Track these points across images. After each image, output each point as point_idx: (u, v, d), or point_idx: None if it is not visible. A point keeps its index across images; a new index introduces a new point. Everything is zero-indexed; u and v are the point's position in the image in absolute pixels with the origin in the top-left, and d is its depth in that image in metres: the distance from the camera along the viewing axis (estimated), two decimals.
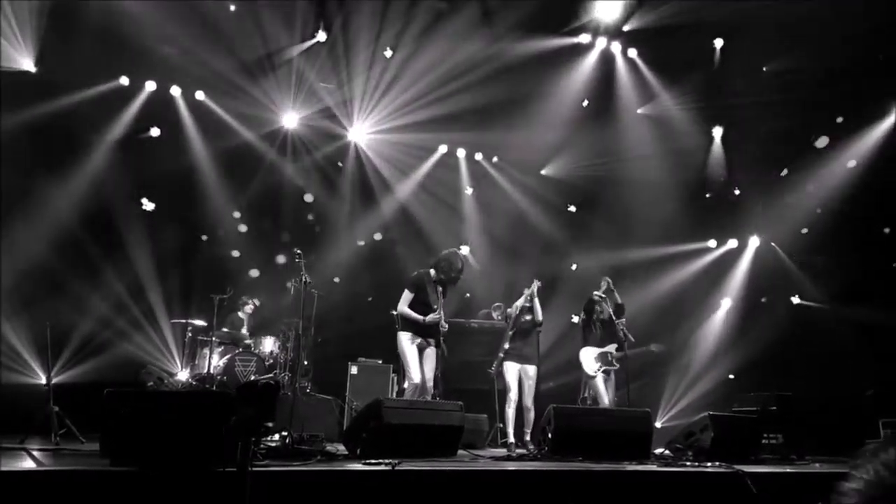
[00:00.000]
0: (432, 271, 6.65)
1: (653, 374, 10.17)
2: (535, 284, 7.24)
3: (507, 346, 7.16)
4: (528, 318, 7.21)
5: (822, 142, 10.10)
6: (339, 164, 10.60)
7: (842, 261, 9.98)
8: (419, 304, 6.51)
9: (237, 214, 10.11)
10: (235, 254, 10.06)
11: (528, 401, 7.03)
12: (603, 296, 7.68)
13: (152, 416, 4.22)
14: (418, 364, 6.43)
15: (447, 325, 6.61)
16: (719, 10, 8.78)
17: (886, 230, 9.95)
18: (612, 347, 7.52)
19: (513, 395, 7.02)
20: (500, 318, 9.54)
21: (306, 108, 10.02)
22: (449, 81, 9.50)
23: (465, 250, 11.03)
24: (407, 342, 6.47)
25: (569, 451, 5.62)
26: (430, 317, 6.41)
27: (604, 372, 7.45)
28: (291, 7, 8.78)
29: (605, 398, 7.35)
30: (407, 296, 6.55)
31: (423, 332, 6.50)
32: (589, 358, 7.56)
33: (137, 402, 4.38)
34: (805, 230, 10.54)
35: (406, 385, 6.58)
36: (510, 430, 7.02)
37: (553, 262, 11.21)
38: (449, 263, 6.61)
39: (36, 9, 8.00)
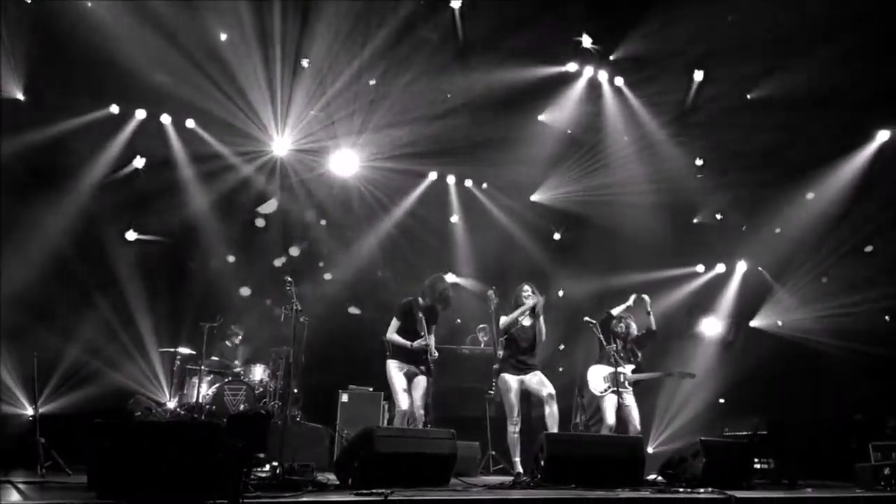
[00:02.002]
0: (420, 299, 6.64)
1: (642, 398, 10.15)
2: (539, 300, 6.72)
3: (500, 353, 6.56)
4: (527, 324, 6.66)
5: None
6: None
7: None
8: (407, 332, 6.49)
9: (230, 256, 10.12)
10: (245, 291, 10.03)
11: (554, 407, 6.35)
12: (625, 314, 7.45)
13: (140, 448, 4.17)
14: (407, 391, 6.40)
15: (437, 353, 6.57)
16: (702, 40, 8.94)
17: (868, 248, 10.09)
18: (627, 368, 7.19)
19: (516, 417, 6.37)
20: (486, 338, 9.52)
21: (296, 135, 10.06)
22: (438, 109, 9.60)
23: (450, 277, 11.08)
24: (395, 369, 6.45)
25: (562, 479, 5.60)
26: (417, 342, 6.40)
27: (614, 393, 7.06)
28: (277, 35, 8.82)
29: (611, 420, 7.00)
30: (395, 323, 6.55)
31: (412, 359, 6.48)
32: (597, 376, 7.26)
33: (125, 433, 4.33)
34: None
35: (395, 412, 6.54)
36: (517, 459, 6.27)
37: (541, 288, 11.21)
38: (433, 288, 6.60)
39: (25, 36, 8.01)
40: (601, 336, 7.27)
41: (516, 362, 6.56)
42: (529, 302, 6.69)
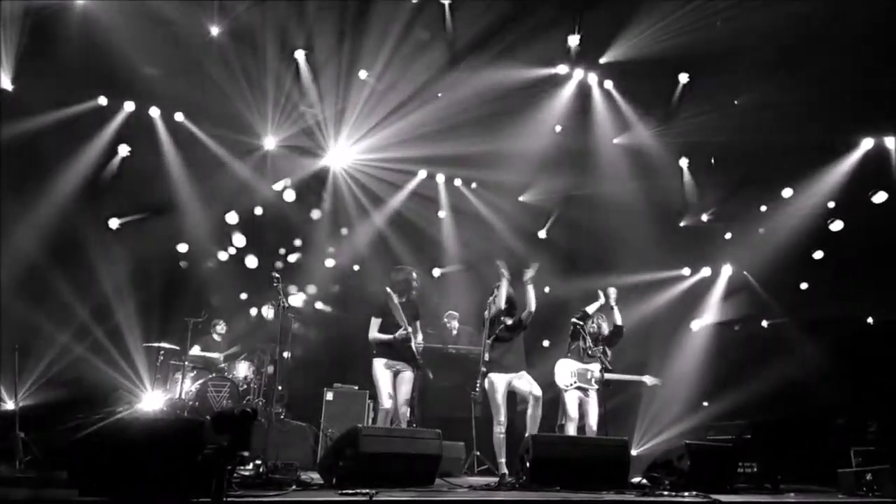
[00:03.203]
0: (396, 294, 6.59)
1: (626, 400, 10.18)
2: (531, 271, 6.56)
3: (487, 356, 6.39)
4: (508, 322, 6.55)
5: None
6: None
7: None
8: (388, 328, 6.47)
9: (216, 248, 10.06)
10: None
11: (538, 410, 6.34)
12: (598, 314, 7.42)
13: (123, 444, 4.11)
14: (390, 389, 6.38)
15: (422, 344, 6.56)
16: (691, 45, 8.98)
17: (818, 255, 10.18)
18: (594, 367, 7.19)
19: (502, 418, 6.37)
20: (449, 324, 9.44)
21: (286, 130, 10.01)
22: (429, 108, 9.60)
23: (436, 271, 11.13)
24: (380, 367, 6.43)
25: (547, 481, 5.59)
26: (399, 333, 6.38)
27: (578, 389, 7.13)
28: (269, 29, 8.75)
29: (575, 416, 7.04)
30: (375, 321, 6.52)
31: (397, 355, 6.47)
32: (565, 370, 7.22)
33: (108, 429, 4.27)
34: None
35: (378, 410, 6.50)
36: (502, 460, 6.29)
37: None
38: (400, 281, 6.61)
39: (14, 25, 7.90)
40: (588, 335, 7.29)
41: (504, 363, 6.50)
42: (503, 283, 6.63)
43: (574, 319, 7.41)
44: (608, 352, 7.38)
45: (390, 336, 6.40)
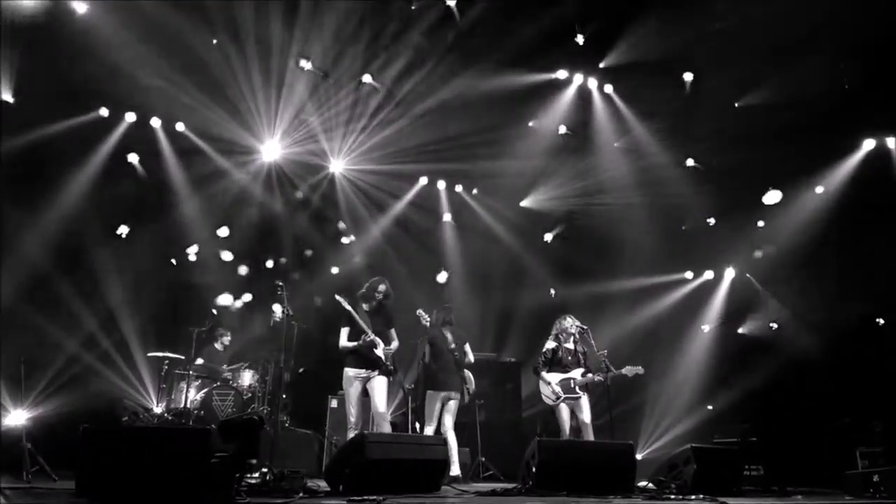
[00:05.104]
0: (364, 303, 6.71)
1: (631, 404, 10.18)
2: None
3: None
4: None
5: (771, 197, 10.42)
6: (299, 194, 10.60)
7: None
8: (356, 336, 6.53)
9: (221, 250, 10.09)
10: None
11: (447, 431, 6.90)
12: (563, 336, 7.49)
13: (131, 454, 4.12)
14: (357, 404, 6.47)
15: (391, 350, 6.62)
16: (690, 49, 9.02)
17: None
18: (576, 373, 7.29)
19: (429, 429, 6.91)
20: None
21: (288, 139, 10.03)
22: (430, 114, 9.62)
23: (442, 277, 11.14)
24: (349, 378, 6.52)
25: (553, 486, 5.58)
26: (362, 338, 6.44)
27: (566, 401, 7.21)
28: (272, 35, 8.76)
29: (567, 428, 7.18)
30: (344, 331, 6.61)
31: (365, 362, 6.52)
32: (548, 388, 7.33)
33: (115, 438, 4.28)
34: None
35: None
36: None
37: (532, 292, 11.30)
38: (366, 290, 6.75)
39: (14, 38, 7.92)
40: (576, 335, 7.38)
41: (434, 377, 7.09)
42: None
43: (583, 326, 7.44)
44: (583, 359, 7.41)
45: (354, 343, 6.48)
